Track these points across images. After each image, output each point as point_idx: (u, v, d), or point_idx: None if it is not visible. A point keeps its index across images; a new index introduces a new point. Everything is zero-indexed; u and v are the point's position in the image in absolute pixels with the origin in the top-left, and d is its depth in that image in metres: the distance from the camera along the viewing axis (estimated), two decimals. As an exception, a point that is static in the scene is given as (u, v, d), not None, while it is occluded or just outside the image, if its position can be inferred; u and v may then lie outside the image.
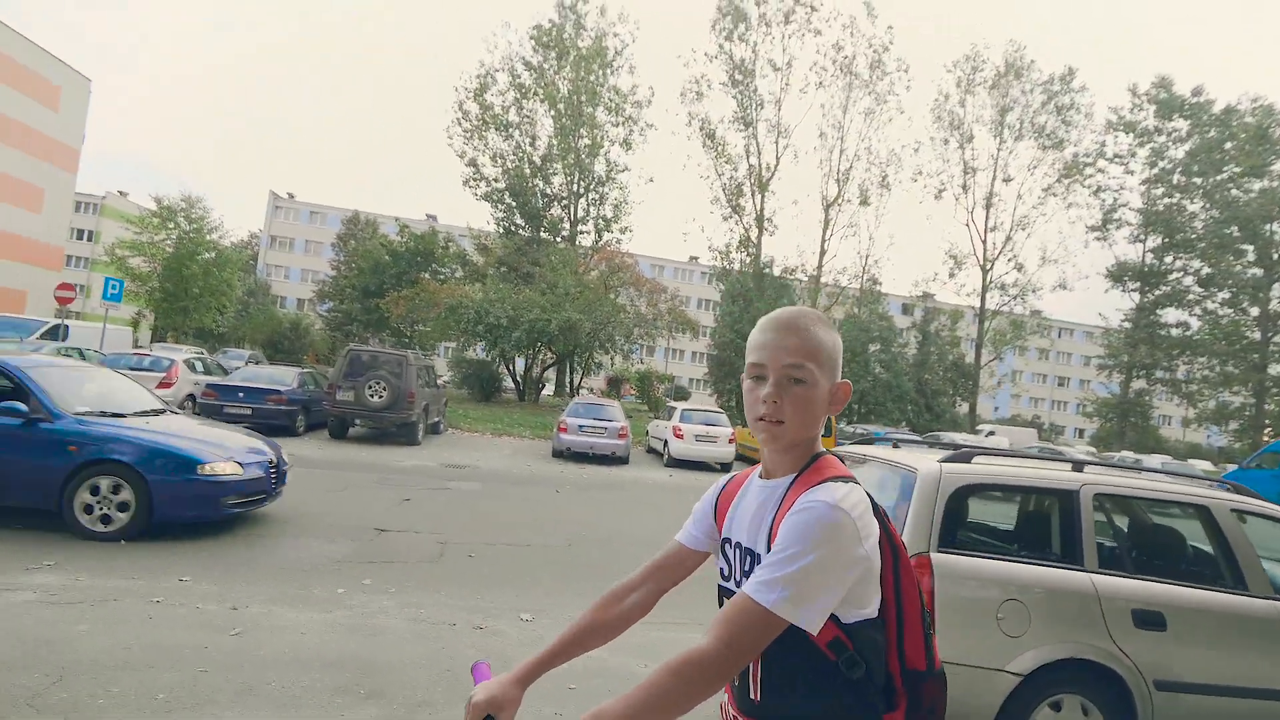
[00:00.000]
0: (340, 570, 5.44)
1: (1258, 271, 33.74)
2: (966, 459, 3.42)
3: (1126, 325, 35.05)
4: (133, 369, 13.50)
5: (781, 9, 31.26)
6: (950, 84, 34.53)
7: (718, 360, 25.76)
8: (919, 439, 15.75)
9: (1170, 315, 34.75)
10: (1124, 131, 34.40)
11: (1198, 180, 33.60)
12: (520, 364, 27.16)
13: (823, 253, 32.85)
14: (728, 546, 1.22)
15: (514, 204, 31.11)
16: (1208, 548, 3.47)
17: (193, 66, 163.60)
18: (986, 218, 34.17)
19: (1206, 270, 34.48)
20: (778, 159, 31.79)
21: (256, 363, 27.95)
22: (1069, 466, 3.56)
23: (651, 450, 17.55)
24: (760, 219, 31.42)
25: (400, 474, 10.69)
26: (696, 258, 60.97)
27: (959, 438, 21.12)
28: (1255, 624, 3.22)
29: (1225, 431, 37.88)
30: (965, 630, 2.98)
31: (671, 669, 0.90)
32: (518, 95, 32.07)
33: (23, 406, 5.63)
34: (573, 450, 14.36)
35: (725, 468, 15.96)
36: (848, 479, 1.04)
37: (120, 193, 55.47)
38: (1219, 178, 32.61)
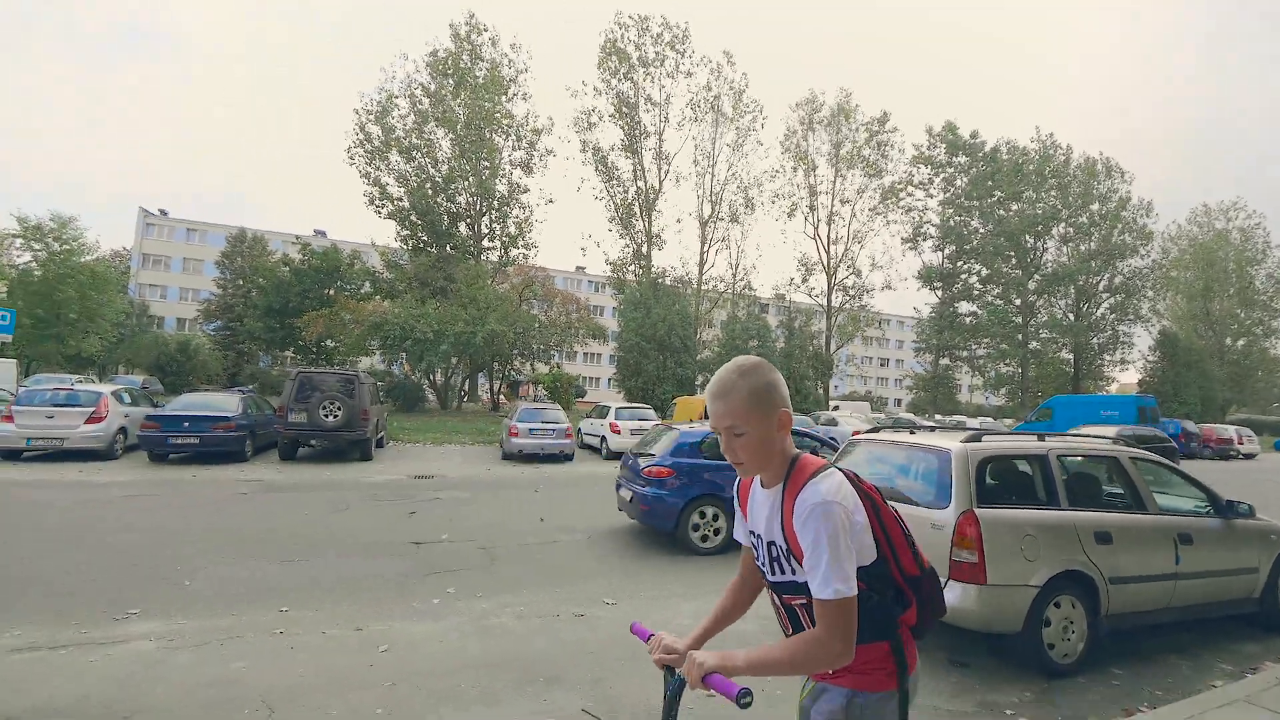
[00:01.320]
0: (415, 583, 5.37)
1: (1018, 272, 40.11)
2: (978, 439, 4.25)
3: (933, 316, 40.19)
4: (55, 405, 11.64)
5: (655, 52, 32.45)
6: (795, 121, 37.66)
7: (624, 362, 26.37)
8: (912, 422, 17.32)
9: (963, 307, 40.34)
10: (924, 164, 39.39)
11: (975, 203, 39.25)
12: (437, 375, 26.11)
13: (702, 264, 34.61)
14: (754, 536, 1.45)
15: (420, 222, 29.75)
16: (1119, 486, 4.57)
17: (40, 77, 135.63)
18: (829, 232, 37.74)
19: (985, 272, 40.37)
20: (661, 182, 33.01)
21: (152, 389, 24.64)
22: (965, 436, 4.33)
23: (585, 446, 17.80)
24: (649, 236, 32.48)
25: (379, 489, 10.22)
26: (583, 268, 61.50)
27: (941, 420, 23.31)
28: (1155, 533, 4.34)
29: (1000, 395, 44.62)
30: (1002, 561, 3.78)
31: (801, 642, 1.21)
32: (417, 120, 30.69)
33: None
34: (524, 452, 14.31)
35: (655, 456, 16.65)
36: (822, 469, 1.27)
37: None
38: (990, 201, 38.32)
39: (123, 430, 12.41)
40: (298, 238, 33.01)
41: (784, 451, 1.32)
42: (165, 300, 49.35)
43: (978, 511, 3.83)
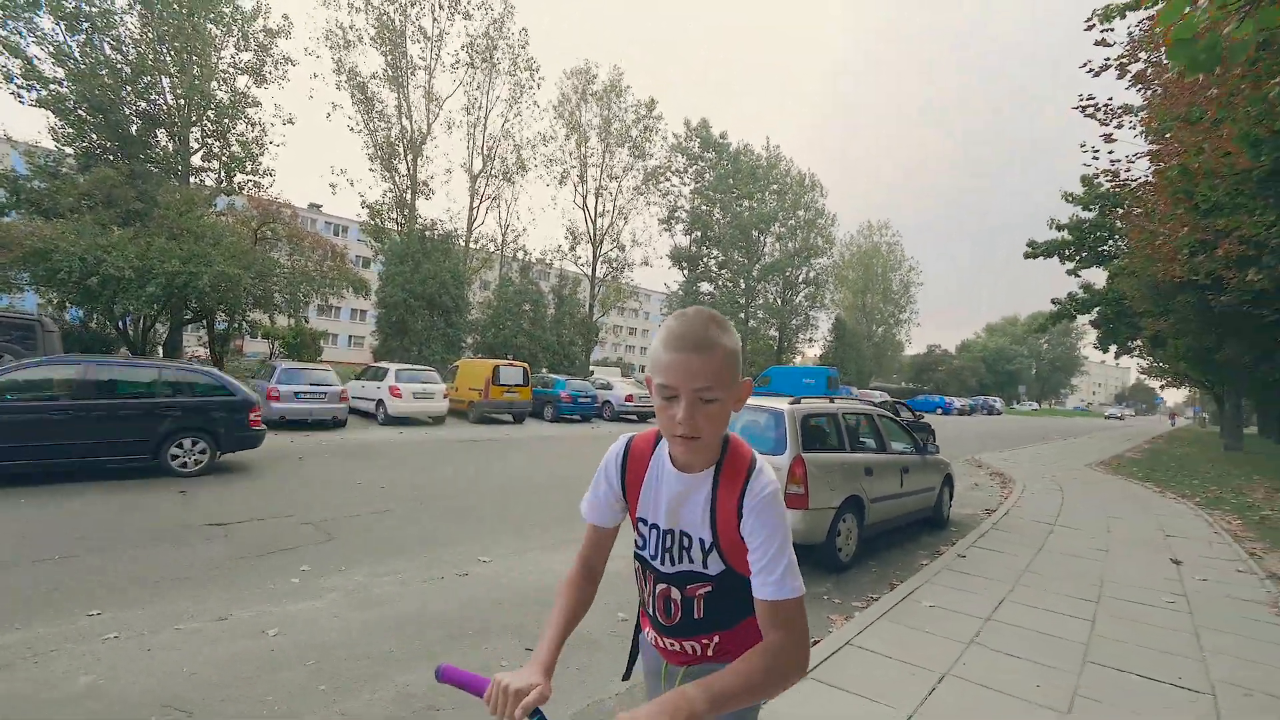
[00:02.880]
0: (252, 566, 4.79)
1: (745, 260, 47.61)
2: (798, 403, 5.58)
3: (679, 293, 45.42)
4: None
5: (428, -24, 29.69)
6: (569, 89, 38.24)
7: (388, 320, 24.32)
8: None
9: (704, 287, 46.39)
10: (681, 154, 43.73)
11: (719, 196, 45.18)
12: (130, 324, 20.54)
13: (471, 220, 33.38)
14: (643, 525, 1.26)
15: (93, 120, 22.68)
16: (870, 434, 6.42)
17: None
18: (596, 204, 39.54)
19: (722, 257, 46.92)
20: (430, 125, 30.66)
21: None
22: (789, 401, 5.92)
23: (354, 411, 16.28)
24: (414, 182, 30.06)
25: (106, 467, 8.18)
26: (319, 205, 53.48)
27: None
28: (892, 466, 6.26)
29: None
30: (817, 491, 5.13)
31: (761, 658, 1.01)
32: (88, -24, 23.00)
33: None
34: (286, 418, 12.63)
35: (439, 420, 16.12)
36: (756, 456, 1.16)
37: None
38: (730, 196, 44.54)
39: None
40: None
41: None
42: None
43: (804, 455, 5.12)
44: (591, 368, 39.20)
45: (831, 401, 6.13)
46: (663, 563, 1.23)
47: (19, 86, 21.99)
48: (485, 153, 33.13)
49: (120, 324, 19.93)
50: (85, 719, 2.67)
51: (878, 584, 5.14)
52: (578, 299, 35.76)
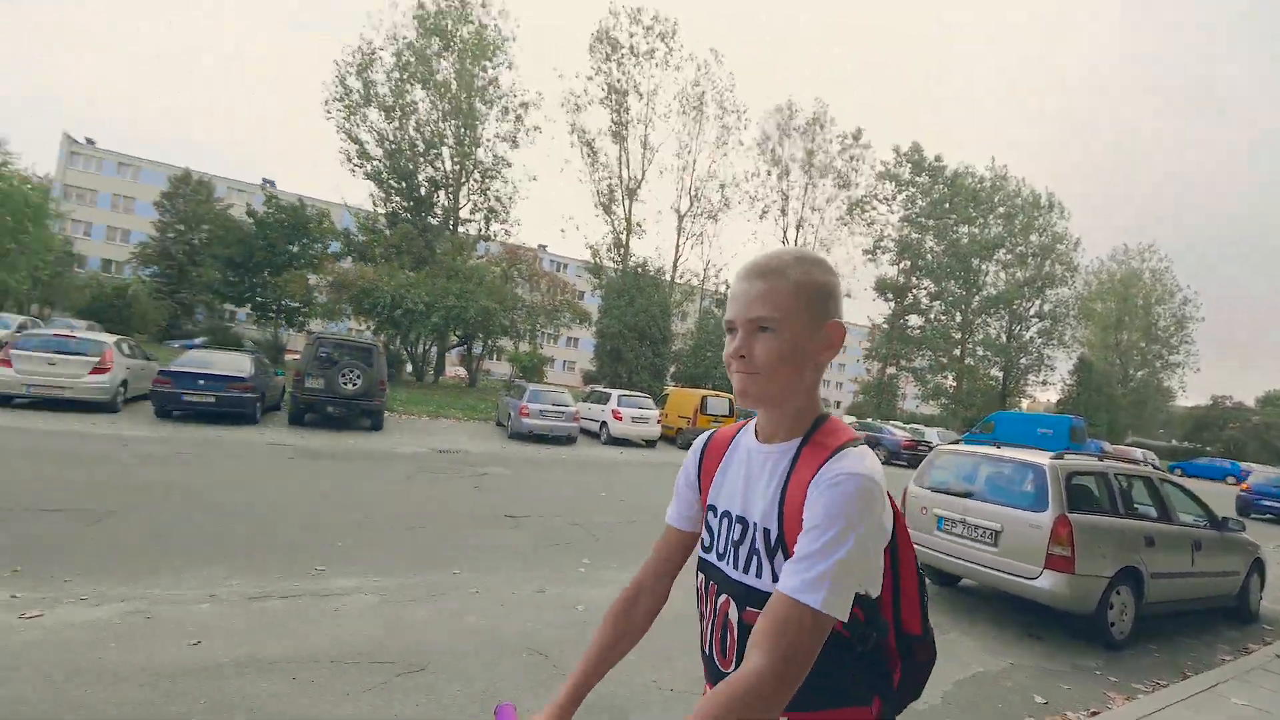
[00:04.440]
0: (547, 553, 5.90)
1: (962, 291, 43.22)
2: (1061, 457, 5.26)
3: (885, 326, 42.77)
4: (57, 352, 11.07)
5: (647, 44, 32.75)
6: (771, 126, 38.90)
7: (606, 349, 26.88)
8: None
9: (912, 320, 43.13)
10: (889, 180, 41.64)
11: (931, 223, 41.92)
12: (416, 347, 25.73)
13: (677, 256, 35.40)
14: (712, 515, 1.04)
15: (397, 186, 28.92)
16: (1151, 500, 5.71)
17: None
18: (797, 237, 39.32)
19: (934, 288, 43.25)
20: (644, 171, 33.46)
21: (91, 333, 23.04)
22: (1050, 455, 5.42)
23: (584, 431, 18.27)
24: (629, 223, 32.92)
25: (418, 460, 10.47)
26: (545, 245, 60.98)
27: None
28: (1180, 539, 5.50)
29: (935, 405, 48.08)
30: (1086, 556, 4.78)
31: (733, 697, 0.73)
32: (401, 76, 29.63)
33: None
34: (533, 432, 14.71)
35: (651, 444, 17.41)
36: (860, 441, 0.92)
37: None
38: (946, 222, 41.07)
39: (124, 383, 11.96)
40: (267, 187, 31.21)
41: (812, 392, 0.97)
42: (89, 238, 45.23)
43: (1069, 515, 4.82)
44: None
45: (1101, 459, 5.61)
46: (729, 563, 0.98)
47: (354, 165, 28.91)
48: (692, 193, 35.10)
49: (409, 347, 25.03)
50: (479, 646, 3.69)
51: (1163, 670, 4.59)
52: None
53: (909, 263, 42.51)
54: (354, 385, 12.72)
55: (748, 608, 0.93)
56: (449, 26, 30.00)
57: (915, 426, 24.56)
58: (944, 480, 5.81)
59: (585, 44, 32.56)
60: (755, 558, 0.94)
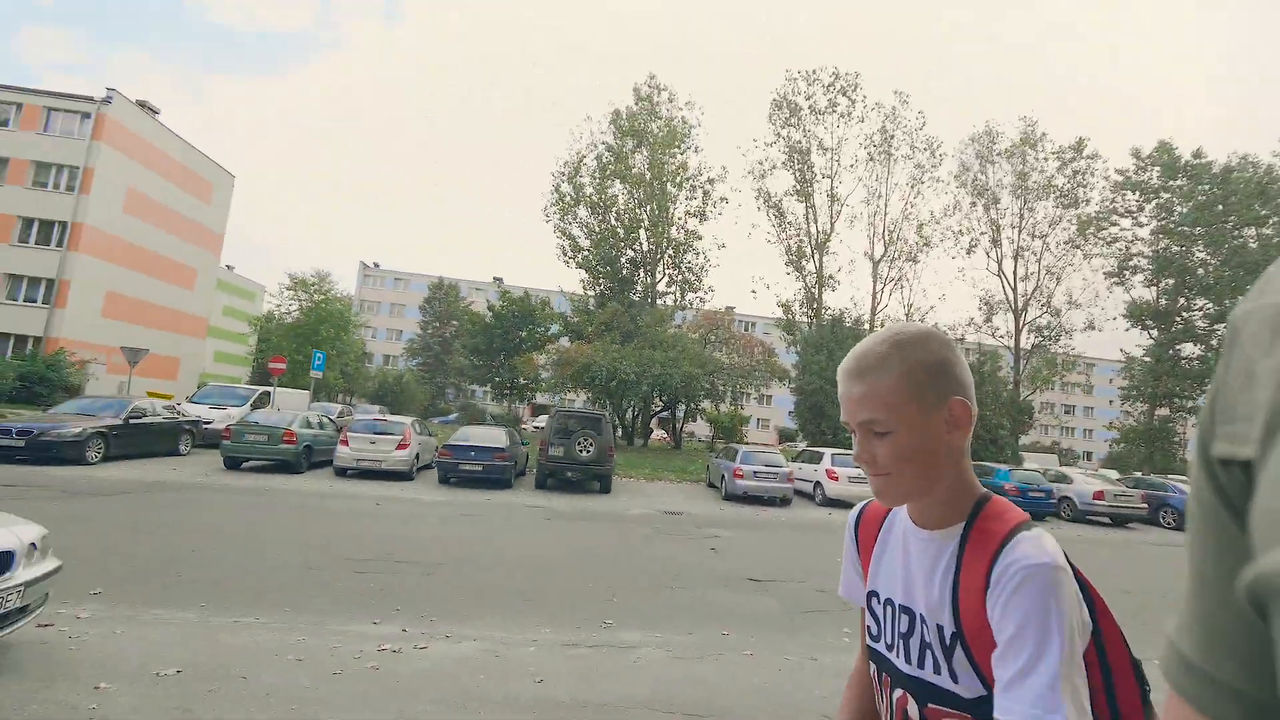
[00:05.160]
0: (801, 619, 5.88)
1: (1260, 308, 34.15)
2: None
3: (1148, 360, 35.37)
4: (375, 432, 14.11)
5: (827, 100, 32.85)
6: (970, 155, 35.81)
7: (806, 405, 26.23)
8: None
9: (1187, 349, 35.10)
10: (1131, 190, 35.40)
11: (1200, 230, 34.37)
12: (627, 413, 27.80)
13: (875, 304, 33.64)
14: (875, 601, 0.99)
15: (603, 270, 32.11)
16: None
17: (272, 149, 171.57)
18: (1015, 268, 35.02)
19: (1214, 309, 34.94)
20: (833, 223, 32.90)
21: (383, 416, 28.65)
22: None
23: (797, 492, 17.78)
24: (820, 277, 32.33)
25: (651, 522, 11.13)
26: (733, 307, 62.29)
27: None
28: None
29: (1237, 452, 37.63)
30: None
31: None
32: (602, 176, 33.42)
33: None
34: (748, 494, 14.75)
35: (872, 505, 16.31)
36: (1031, 524, 0.85)
37: (227, 266, 57.33)
38: (1224, 227, 33.39)
39: (418, 456, 14.72)
40: (499, 284, 36.99)
41: (962, 474, 0.89)
42: (376, 339, 57.50)
43: None
44: (1021, 454, 33.50)
45: None
46: (899, 656, 0.92)
47: (568, 257, 32.80)
48: (885, 237, 33.51)
49: (620, 414, 27.08)
50: (770, 705, 3.82)
51: None
52: (1000, 376, 31.61)
53: (1172, 281, 35.14)
54: (588, 452, 14.09)
55: (929, 704, 0.87)
56: (640, 126, 33.46)
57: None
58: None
59: (765, 110, 33.84)
60: (929, 653, 0.87)
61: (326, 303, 34.07)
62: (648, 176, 32.40)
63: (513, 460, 14.35)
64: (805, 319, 31.61)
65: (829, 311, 30.85)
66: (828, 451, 16.45)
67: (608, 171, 33.09)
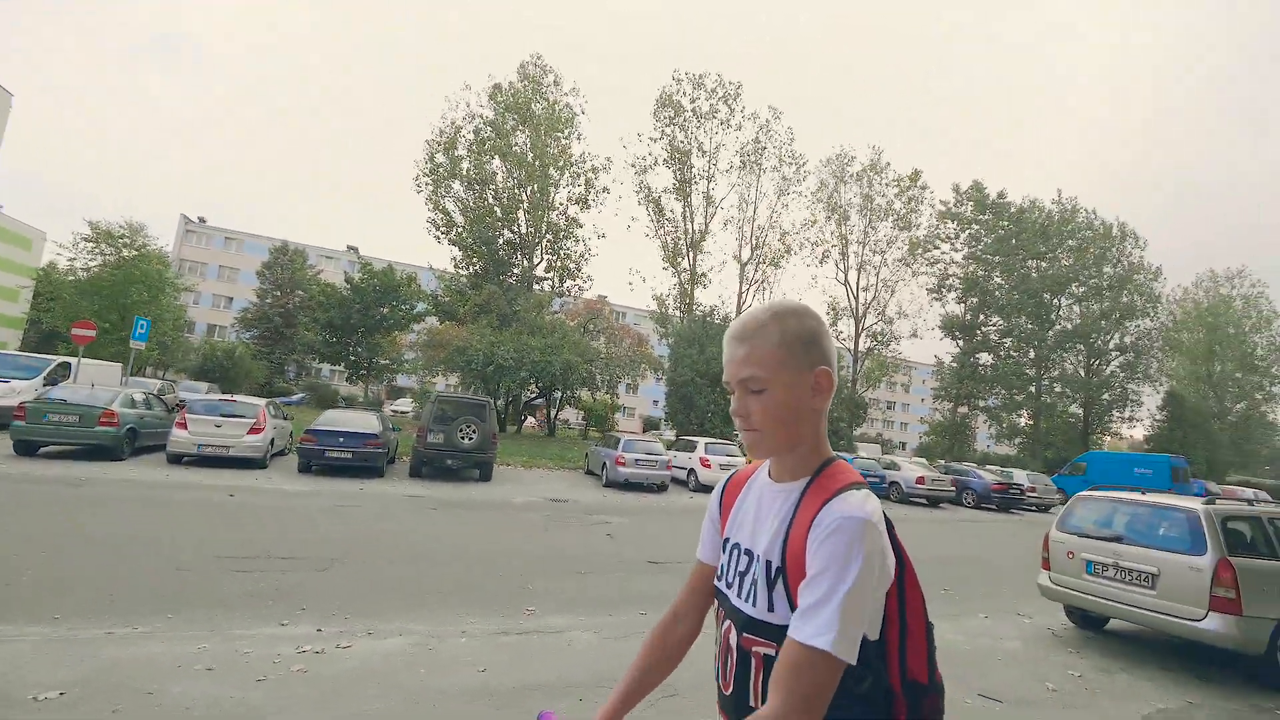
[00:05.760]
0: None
1: (1034, 327, 41.97)
2: (1213, 502, 5.46)
3: (954, 365, 41.84)
4: (222, 415, 12.54)
5: (710, 106, 34.46)
6: (828, 175, 39.67)
7: (677, 396, 27.51)
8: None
9: (983, 358, 42.05)
10: (950, 220, 41.51)
11: (998, 259, 41.28)
12: (499, 400, 27.12)
13: (740, 303, 36.05)
14: (727, 546, 1.09)
15: (479, 250, 30.96)
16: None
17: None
18: (858, 279, 39.48)
19: (1004, 325, 42.20)
20: (707, 224, 34.65)
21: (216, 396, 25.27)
22: (1202, 500, 5.60)
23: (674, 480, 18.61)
24: (694, 275, 33.96)
25: (538, 509, 11.20)
26: (605, 296, 62.97)
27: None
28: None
29: (1012, 444, 46.08)
30: (1251, 598, 4.93)
31: None
32: (480, 150, 32.07)
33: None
34: (629, 481, 15.30)
35: (739, 490, 17.69)
36: (862, 485, 0.94)
37: (-9, 205, 46.34)
38: (1015, 258, 40.36)
39: (272, 441, 13.32)
40: (353, 253, 34.02)
41: (819, 436, 1.02)
42: (198, 305, 49.92)
43: (1231, 559, 5.02)
44: (856, 443, 38.08)
45: (1251, 504, 5.75)
46: (734, 592, 1.03)
47: (440, 233, 31.14)
48: (753, 242, 36.00)
49: (496, 401, 26.39)
50: (687, 682, 4.22)
51: (1348, 713, 4.65)
52: (842, 375, 35.56)
53: (976, 300, 41.84)
54: (470, 440, 13.72)
55: (744, 634, 0.98)
56: (524, 103, 32.52)
57: (1006, 470, 23.84)
58: (1088, 525, 6.04)
59: (649, 108, 34.59)
60: (755, 588, 0.97)
61: (142, 259, 29.07)
62: (530, 157, 31.70)
63: (385, 447, 13.55)
64: (678, 313, 33.03)
65: (699, 308, 32.53)
66: (702, 440, 17.54)
67: (486, 146, 31.81)
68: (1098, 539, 5.84)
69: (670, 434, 30.33)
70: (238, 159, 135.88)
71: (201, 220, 53.04)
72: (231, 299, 50.29)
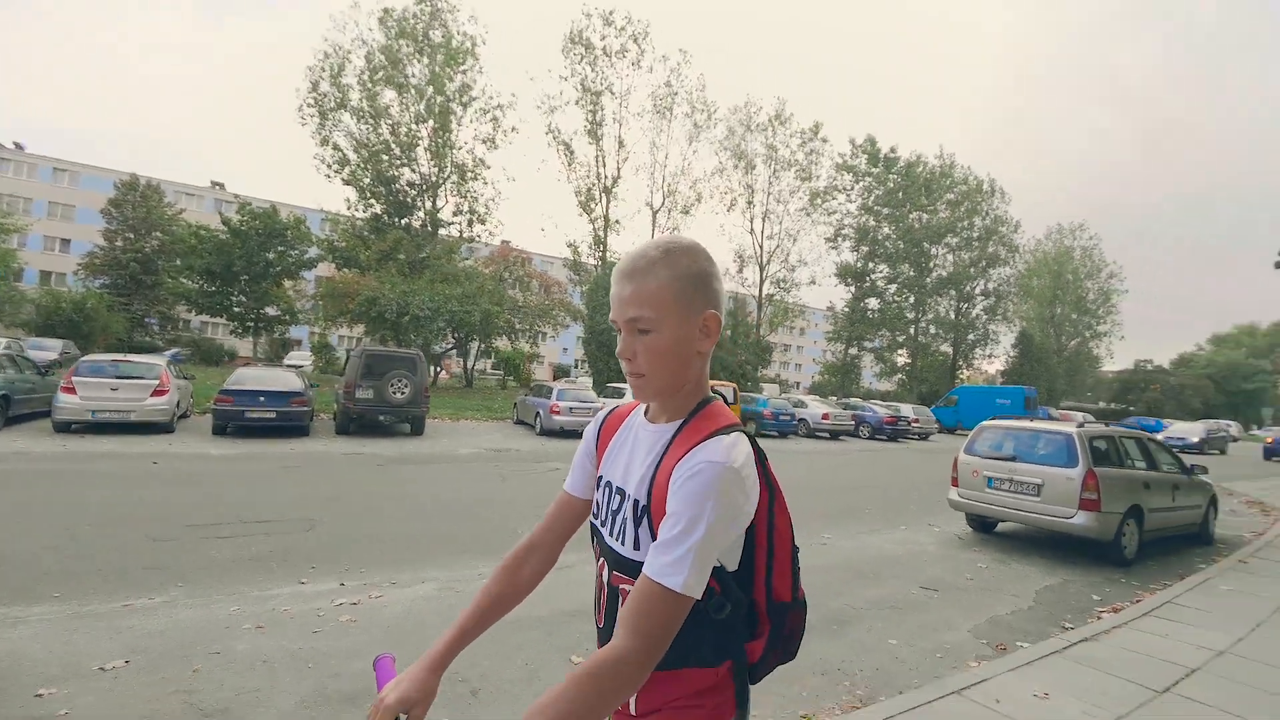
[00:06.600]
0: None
1: (914, 274, 46.24)
2: (1083, 426, 6.88)
3: (846, 310, 45.37)
4: (118, 377, 11.41)
5: (620, 45, 33.63)
6: (736, 123, 40.42)
7: (594, 344, 27.93)
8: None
9: (871, 303, 45.90)
10: (847, 172, 44.02)
11: (887, 211, 44.61)
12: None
13: (653, 251, 36.58)
14: (600, 484, 1.10)
15: (377, 191, 28.95)
16: (1142, 455, 7.42)
17: None
18: (763, 227, 41.20)
19: (889, 272, 46.08)
20: (619, 169, 34.44)
21: (68, 353, 22.41)
22: (1076, 424, 7.16)
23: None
24: (607, 221, 33.91)
25: (490, 461, 11.44)
26: (509, 241, 61.05)
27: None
28: (1165, 483, 7.24)
29: (892, 381, 51.31)
30: (1107, 498, 6.39)
31: (591, 675, 0.79)
32: (371, 79, 29.47)
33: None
34: (564, 428, 15.77)
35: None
36: (733, 427, 0.94)
37: None
38: (903, 210, 43.80)
39: (178, 403, 12.37)
40: (218, 189, 30.47)
41: (701, 379, 1.01)
42: (26, 249, 42.63)
43: (1095, 469, 6.43)
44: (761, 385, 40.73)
45: (1108, 425, 7.28)
46: (607, 529, 1.05)
47: (331, 170, 28.74)
48: (665, 189, 36.32)
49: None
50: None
51: (1164, 576, 6.28)
52: (749, 319, 37.52)
53: (868, 249, 45.17)
54: (403, 394, 13.48)
55: (615, 572, 1.00)
56: (419, 30, 30.01)
57: (894, 405, 26.76)
58: (989, 448, 7.37)
59: (558, 46, 33.11)
60: (625, 526, 0.98)
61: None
62: (430, 91, 29.60)
63: (310, 405, 13.03)
64: (593, 261, 33.04)
65: (615, 255, 32.70)
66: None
67: (378, 76, 29.27)
68: (997, 459, 7.16)
69: (585, 380, 30.91)
70: (60, 76, 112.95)
71: (19, 146, 44.58)
72: (69, 240, 43.48)
